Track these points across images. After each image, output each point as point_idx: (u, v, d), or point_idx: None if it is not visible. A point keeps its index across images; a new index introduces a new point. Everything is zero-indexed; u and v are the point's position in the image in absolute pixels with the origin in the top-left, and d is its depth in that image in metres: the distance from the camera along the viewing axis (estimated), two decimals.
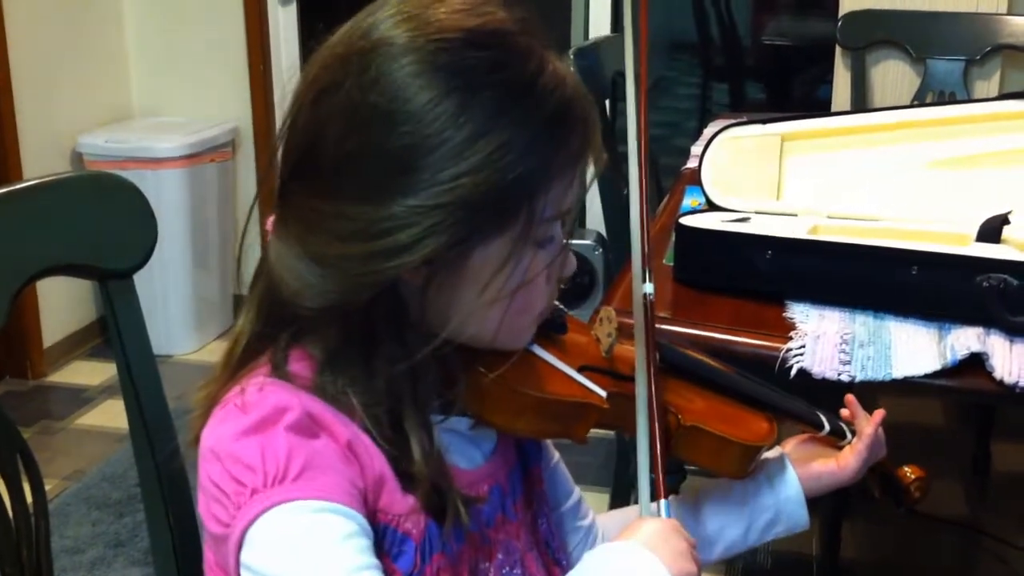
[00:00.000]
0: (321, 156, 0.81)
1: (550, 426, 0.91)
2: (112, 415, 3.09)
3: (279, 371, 0.84)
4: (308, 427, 0.80)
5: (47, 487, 1.07)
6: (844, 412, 1.12)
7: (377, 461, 0.82)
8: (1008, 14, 2.89)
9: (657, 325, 1.39)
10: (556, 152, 0.81)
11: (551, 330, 0.94)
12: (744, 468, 1.02)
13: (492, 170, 0.78)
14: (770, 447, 1.04)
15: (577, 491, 1.09)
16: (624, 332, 0.97)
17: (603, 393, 0.91)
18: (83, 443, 2.97)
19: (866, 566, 2.46)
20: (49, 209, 1.04)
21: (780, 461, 1.08)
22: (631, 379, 0.94)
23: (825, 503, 2.41)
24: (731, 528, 1.07)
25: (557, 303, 0.93)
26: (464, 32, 0.80)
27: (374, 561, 0.77)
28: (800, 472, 1.07)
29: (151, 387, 1.09)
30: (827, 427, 1.09)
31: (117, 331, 1.08)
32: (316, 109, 0.82)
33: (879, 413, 1.10)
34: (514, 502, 0.94)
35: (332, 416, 0.82)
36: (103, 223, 1.07)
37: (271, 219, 0.86)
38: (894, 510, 1.19)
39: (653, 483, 0.88)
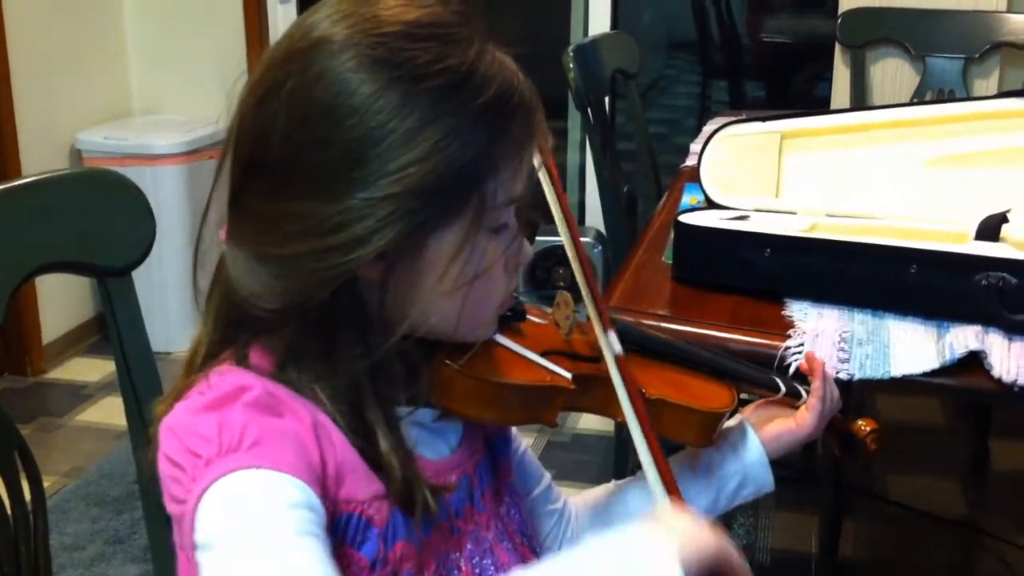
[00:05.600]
0: (269, 157, 0.82)
1: (520, 413, 0.92)
2: (111, 412, 3.09)
3: (242, 363, 0.85)
4: (268, 405, 0.80)
5: (45, 484, 1.07)
6: (803, 366, 1.14)
7: (340, 448, 0.82)
8: (1007, 12, 2.89)
9: (656, 323, 1.40)
10: (499, 138, 0.83)
11: (511, 319, 0.96)
12: (709, 436, 1.03)
13: (439, 158, 0.80)
14: (732, 414, 1.07)
15: (547, 476, 1.10)
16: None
17: (568, 375, 0.93)
18: (82, 440, 2.97)
19: (865, 565, 2.47)
20: (48, 206, 1.04)
21: (741, 427, 1.10)
22: (594, 359, 0.97)
23: (825, 502, 2.41)
24: (701, 498, 1.09)
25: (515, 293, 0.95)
26: (402, 25, 0.81)
27: (319, 533, 0.76)
28: (761, 435, 1.09)
29: (150, 384, 1.10)
30: (783, 389, 1.11)
31: (116, 328, 1.08)
32: (261, 111, 0.83)
33: (821, 363, 1.12)
34: (482, 493, 0.95)
35: (294, 400, 0.82)
36: (102, 220, 1.07)
37: (223, 228, 0.87)
38: (856, 463, 1.22)
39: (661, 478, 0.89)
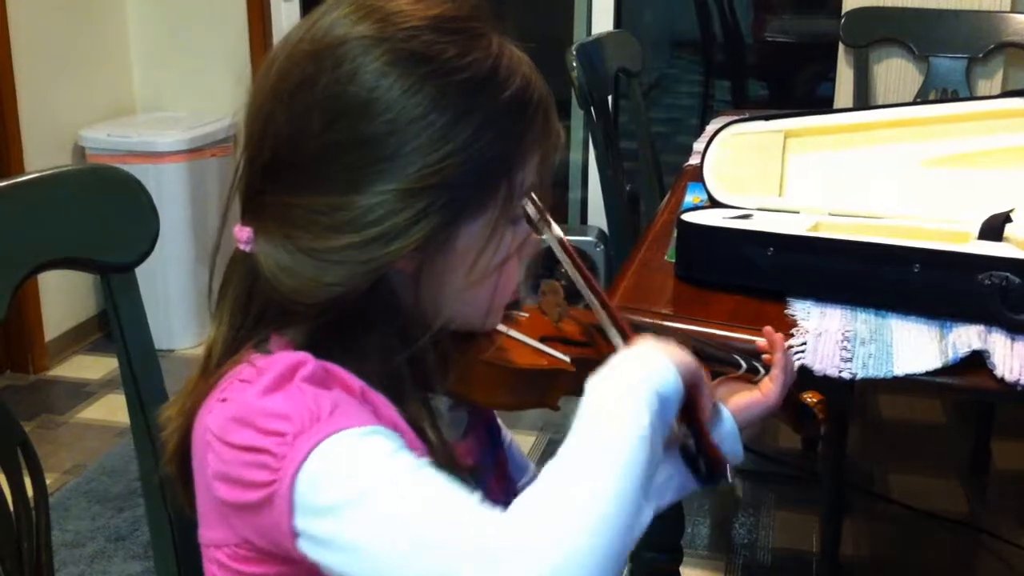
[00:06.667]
0: (301, 152, 0.83)
1: (527, 397, 0.95)
2: (113, 409, 3.09)
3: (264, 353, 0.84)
4: (323, 379, 0.81)
5: (48, 481, 1.07)
6: (760, 343, 1.16)
7: (391, 411, 0.83)
8: (1011, 12, 2.89)
9: (659, 321, 1.40)
10: (528, 128, 0.85)
11: (508, 308, 0.99)
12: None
13: (474, 149, 0.82)
14: None
15: (532, 465, 1.12)
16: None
17: (567, 359, 0.96)
18: (84, 437, 2.97)
19: (866, 564, 2.47)
20: (51, 202, 1.04)
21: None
22: (586, 344, 1.01)
23: (826, 501, 2.41)
24: (678, 472, 1.08)
25: None
26: (429, 20, 0.83)
27: (427, 464, 0.77)
28: (730, 407, 1.11)
29: (152, 381, 1.10)
30: (744, 366, 1.14)
31: (118, 325, 1.08)
32: (291, 107, 0.83)
33: (780, 336, 1.14)
34: (488, 481, 0.97)
35: (340, 371, 0.82)
36: (105, 217, 1.07)
37: (242, 228, 0.87)
38: (808, 433, 1.28)
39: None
